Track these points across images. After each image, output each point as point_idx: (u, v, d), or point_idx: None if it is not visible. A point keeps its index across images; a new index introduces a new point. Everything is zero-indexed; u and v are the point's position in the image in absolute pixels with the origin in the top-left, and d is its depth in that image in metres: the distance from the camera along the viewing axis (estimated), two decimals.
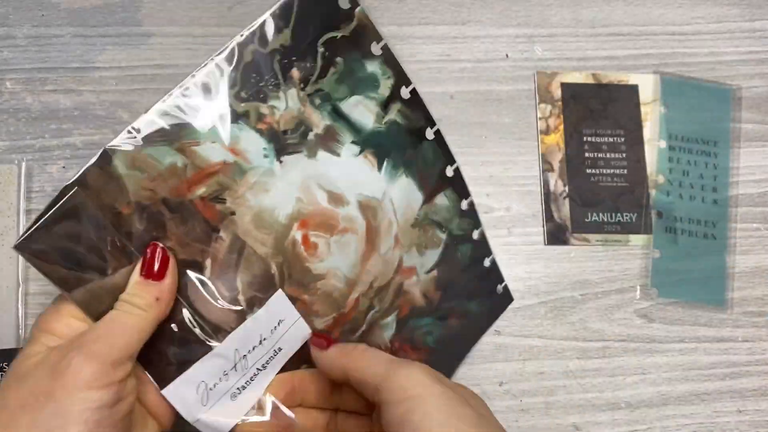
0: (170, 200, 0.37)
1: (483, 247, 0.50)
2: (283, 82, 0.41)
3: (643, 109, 0.57)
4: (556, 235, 0.54)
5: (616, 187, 0.55)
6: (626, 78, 0.58)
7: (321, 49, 0.42)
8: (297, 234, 0.40)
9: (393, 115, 0.44)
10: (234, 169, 0.39)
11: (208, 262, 0.38)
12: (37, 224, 0.34)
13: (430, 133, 0.46)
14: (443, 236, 0.47)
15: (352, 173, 0.42)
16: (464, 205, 0.49)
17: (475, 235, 0.50)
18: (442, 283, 0.47)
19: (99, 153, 0.35)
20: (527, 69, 0.57)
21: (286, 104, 0.41)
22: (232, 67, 0.39)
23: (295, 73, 0.41)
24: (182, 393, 0.37)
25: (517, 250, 0.53)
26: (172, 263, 0.36)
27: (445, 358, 0.48)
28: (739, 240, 0.56)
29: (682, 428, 0.51)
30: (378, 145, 0.43)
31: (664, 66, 0.58)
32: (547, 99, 0.56)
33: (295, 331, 0.40)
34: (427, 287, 0.46)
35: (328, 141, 0.42)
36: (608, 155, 0.56)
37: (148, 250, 0.36)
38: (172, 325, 0.37)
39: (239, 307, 0.39)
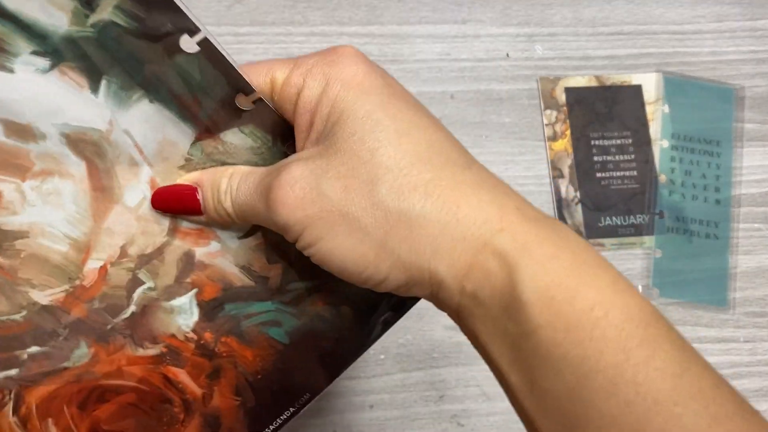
0: None
1: None
2: None
3: (648, 108, 0.57)
4: None
5: (626, 190, 0.55)
6: (629, 79, 0.57)
7: None
8: None
9: (105, 14, 0.30)
10: None
11: None
12: None
13: (189, 43, 0.31)
14: None
15: (42, 96, 0.31)
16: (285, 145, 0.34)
17: None
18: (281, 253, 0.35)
19: None
20: (528, 68, 0.57)
21: None
22: None
23: None
24: None
25: None
26: None
27: (308, 363, 0.36)
28: (741, 240, 0.55)
29: None
30: (83, 57, 0.30)
31: (666, 65, 0.58)
32: (552, 105, 0.56)
33: None
34: (249, 259, 0.34)
35: None
36: (617, 157, 0.56)
37: None
38: None
39: None
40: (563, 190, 0.55)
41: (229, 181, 0.30)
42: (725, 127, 0.57)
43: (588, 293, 0.23)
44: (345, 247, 0.26)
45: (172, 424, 0.33)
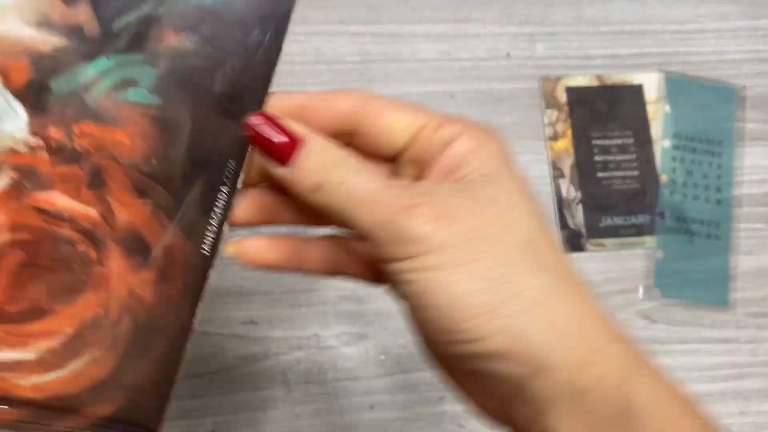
0: None
1: None
2: None
3: (649, 108, 0.57)
4: (573, 242, 0.53)
5: (628, 190, 0.55)
6: (631, 78, 0.57)
7: None
8: None
9: None
10: None
11: None
12: None
13: None
14: None
15: None
16: None
17: None
18: None
19: None
20: (529, 68, 0.57)
21: None
22: None
23: None
24: None
25: None
26: None
27: (208, 116, 0.26)
28: (743, 240, 0.55)
29: None
30: None
31: (667, 65, 0.58)
32: (553, 104, 0.56)
33: None
34: (38, 8, 0.25)
35: None
36: (618, 157, 0.56)
37: None
38: None
39: None
40: (564, 189, 0.55)
41: (347, 158, 0.26)
42: (727, 126, 0.57)
43: (693, 413, 0.27)
44: (463, 287, 0.24)
45: (88, 267, 0.25)
